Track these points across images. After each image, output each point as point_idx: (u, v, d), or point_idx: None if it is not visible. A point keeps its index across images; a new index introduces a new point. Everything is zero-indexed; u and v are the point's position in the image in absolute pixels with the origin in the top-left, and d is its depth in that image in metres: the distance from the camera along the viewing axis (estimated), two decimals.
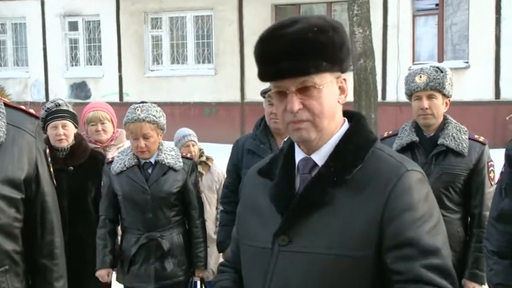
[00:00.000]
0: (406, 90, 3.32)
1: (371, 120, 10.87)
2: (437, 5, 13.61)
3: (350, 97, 11.04)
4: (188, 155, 3.87)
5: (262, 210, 1.61)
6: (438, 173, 3.20)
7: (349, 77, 11.34)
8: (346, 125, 1.61)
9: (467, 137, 3.27)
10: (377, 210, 1.46)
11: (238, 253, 1.72)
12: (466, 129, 3.32)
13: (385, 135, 3.53)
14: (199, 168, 4.75)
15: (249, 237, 1.64)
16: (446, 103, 3.29)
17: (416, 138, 3.29)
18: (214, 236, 4.67)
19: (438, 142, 3.25)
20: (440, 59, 13.45)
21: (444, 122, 3.31)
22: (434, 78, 3.20)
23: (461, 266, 3.23)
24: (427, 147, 3.28)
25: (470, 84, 12.90)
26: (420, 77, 3.23)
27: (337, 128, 1.58)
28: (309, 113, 1.51)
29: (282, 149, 1.69)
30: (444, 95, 3.25)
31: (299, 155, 1.60)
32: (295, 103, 1.50)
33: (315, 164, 1.57)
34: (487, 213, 3.16)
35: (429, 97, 3.23)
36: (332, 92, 1.55)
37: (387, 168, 1.51)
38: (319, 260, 1.48)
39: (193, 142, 4.87)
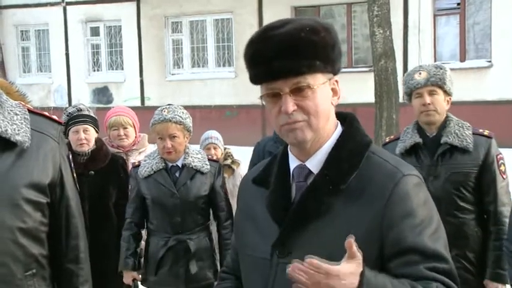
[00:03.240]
0: (405, 89, 3.25)
1: (393, 121, 10.79)
2: (458, 4, 13.48)
3: (371, 98, 11.01)
4: (214, 158, 3.88)
5: (259, 219, 1.58)
6: (446, 174, 3.11)
7: (370, 78, 11.28)
8: (339, 129, 1.58)
9: (470, 132, 3.16)
10: (375, 218, 1.43)
11: (237, 260, 1.70)
12: (468, 124, 3.22)
13: (387, 140, 3.47)
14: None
15: (247, 247, 1.61)
16: (448, 101, 3.20)
17: (419, 140, 3.20)
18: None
19: (442, 141, 3.15)
20: (462, 58, 13.32)
21: (446, 120, 3.20)
22: (434, 74, 3.14)
23: (482, 266, 3.14)
24: (431, 147, 3.18)
25: (493, 84, 12.75)
26: (420, 73, 3.17)
27: (331, 131, 1.55)
28: (304, 113, 1.48)
29: (275, 156, 1.65)
30: (445, 92, 3.16)
31: (293, 162, 1.57)
32: (290, 104, 1.46)
33: (310, 172, 1.54)
34: (503, 209, 3.10)
35: (431, 93, 3.14)
36: (326, 93, 1.52)
37: (382, 174, 1.47)
38: None
39: (214, 145, 4.82)
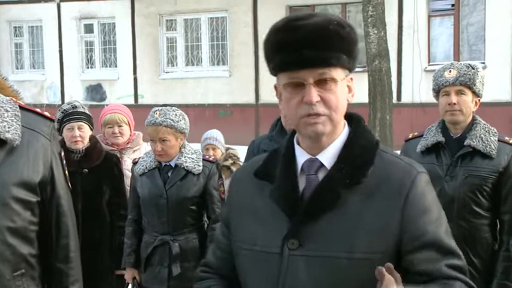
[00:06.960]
0: (434, 85, 3.16)
1: (386, 121, 10.81)
2: (453, 5, 13.51)
3: (365, 98, 11.00)
4: (211, 158, 3.85)
5: (261, 213, 1.57)
6: (463, 175, 3.03)
7: (364, 78, 11.28)
8: (347, 127, 1.60)
9: (496, 138, 3.08)
10: (394, 214, 1.47)
11: (224, 259, 1.68)
12: (495, 130, 3.14)
13: (410, 136, 3.37)
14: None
15: (247, 242, 1.59)
16: (476, 102, 3.11)
17: (442, 139, 3.12)
18: None
19: (465, 143, 3.07)
20: (456, 59, 13.32)
21: (473, 123, 3.12)
22: (464, 74, 3.04)
23: (488, 274, 3.05)
24: (453, 148, 3.11)
25: (487, 85, 12.67)
26: (450, 71, 3.07)
27: (342, 128, 1.58)
28: (326, 107, 1.49)
29: (275, 150, 1.65)
30: (474, 93, 3.08)
31: (302, 155, 1.57)
32: (314, 95, 1.47)
33: (322, 165, 1.54)
34: None
35: (458, 93, 3.06)
36: (344, 89, 1.54)
37: (398, 171, 1.52)
38: (332, 263, 1.46)
39: (212, 146, 4.79)
